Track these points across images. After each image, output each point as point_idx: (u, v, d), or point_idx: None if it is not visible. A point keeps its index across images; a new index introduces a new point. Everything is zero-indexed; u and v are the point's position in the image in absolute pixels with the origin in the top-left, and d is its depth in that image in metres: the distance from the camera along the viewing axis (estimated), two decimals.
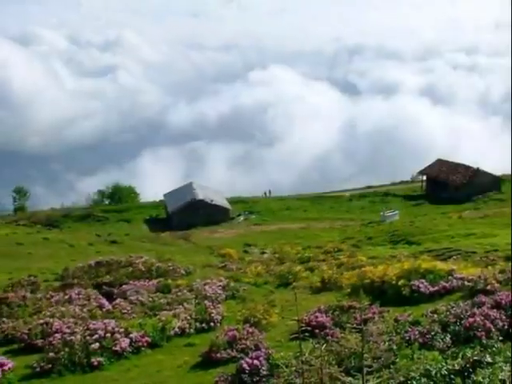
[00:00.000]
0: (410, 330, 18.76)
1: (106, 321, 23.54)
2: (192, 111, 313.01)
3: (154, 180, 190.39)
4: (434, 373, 13.91)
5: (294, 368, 13.16)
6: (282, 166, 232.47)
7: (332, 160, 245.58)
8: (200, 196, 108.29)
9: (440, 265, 29.37)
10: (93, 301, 29.02)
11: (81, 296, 30.06)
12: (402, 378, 13.66)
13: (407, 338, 18.12)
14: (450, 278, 26.60)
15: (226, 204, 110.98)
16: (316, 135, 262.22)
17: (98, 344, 21.30)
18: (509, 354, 14.98)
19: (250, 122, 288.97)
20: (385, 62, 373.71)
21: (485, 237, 57.39)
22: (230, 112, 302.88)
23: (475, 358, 14.48)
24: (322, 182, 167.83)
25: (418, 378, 13.68)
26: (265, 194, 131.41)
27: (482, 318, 18.73)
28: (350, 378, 12.47)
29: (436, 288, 25.77)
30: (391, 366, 14.62)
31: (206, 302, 26.90)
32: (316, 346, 13.59)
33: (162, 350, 22.72)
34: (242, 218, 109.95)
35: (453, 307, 20.56)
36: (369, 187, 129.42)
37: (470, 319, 18.67)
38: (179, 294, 29.38)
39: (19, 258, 56.25)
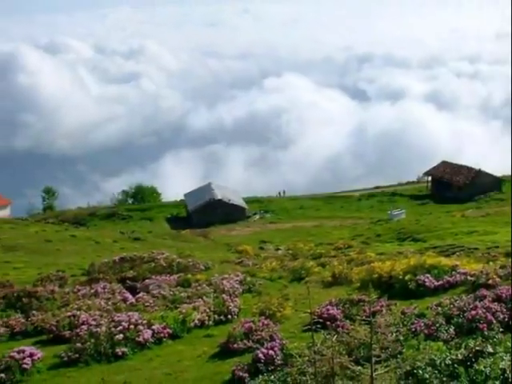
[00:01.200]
0: (415, 321, 18.76)
1: (129, 313, 23.58)
2: (211, 116, 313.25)
3: (175, 181, 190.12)
4: (438, 362, 13.92)
5: (306, 358, 13.23)
6: (295, 167, 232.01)
7: (343, 162, 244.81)
8: (218, 196, 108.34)
9: (444, 260, 29.28)
10: (117, 294, 29.06)
11: (106, 290, 30.11)
12: (408, 367, 13.69)
13: (413, 329, 18.12)
14: (453, 273, 26.54)
15: (242, 203, 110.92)
16: (328, 139, 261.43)
17: (122, 335, 21.34)
18: (509, 345, 14.98)
19: (266, 126, 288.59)
20: (392, 70, 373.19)
21: (486, 234, 57.38)
22: (247, 117, 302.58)
23: (477, 348, 14.49)
24: (334, 183, 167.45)
25: (423, 367, 13.70)
26: (279, 193, 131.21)
27: (484, 310, 18.69)
28: (359, 367, 12.51)
29: (440, 282, 25.71)
30: (398, 356, 14.64)
31: (223, 295, 26.89)
32: (327, 337, 13.63)
33: (182, 340, 22.74)
34: (257, 216, 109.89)
35: (456, 300, 20.52)
36: (377, 187, 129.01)
37: (473, 312, 18.64)
38: (199, 288, 29.38)
39: (48, 254, 56.48)
